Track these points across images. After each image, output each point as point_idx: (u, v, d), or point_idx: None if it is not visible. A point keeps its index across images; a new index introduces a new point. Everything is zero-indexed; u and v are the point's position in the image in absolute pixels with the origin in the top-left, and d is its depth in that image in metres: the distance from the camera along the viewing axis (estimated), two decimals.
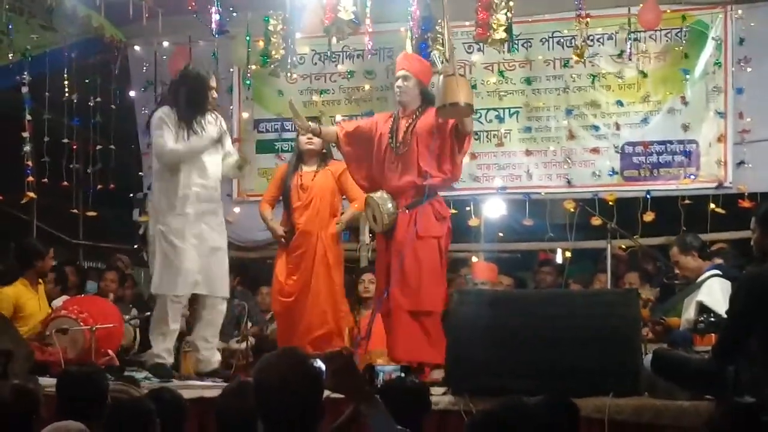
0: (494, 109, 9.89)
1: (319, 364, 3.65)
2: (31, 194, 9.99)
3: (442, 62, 7.43)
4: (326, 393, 3.70)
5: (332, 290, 8.28)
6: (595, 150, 9.69)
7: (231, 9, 8.54)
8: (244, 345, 8.76)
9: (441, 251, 7.52)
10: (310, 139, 8.33)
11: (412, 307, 7.35)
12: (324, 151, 8.46)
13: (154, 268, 8.08)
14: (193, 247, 7.99)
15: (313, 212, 8.30)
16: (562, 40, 9.72)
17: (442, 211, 7.56)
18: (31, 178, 9.91)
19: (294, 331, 8.21)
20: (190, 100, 8.04)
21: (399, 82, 7.64)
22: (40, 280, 9.03)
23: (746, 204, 9.04)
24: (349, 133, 7.77)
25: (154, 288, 8.13)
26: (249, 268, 11.23)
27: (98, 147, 10.57)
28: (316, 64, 10.33)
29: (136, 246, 11.60)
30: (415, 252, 7.37)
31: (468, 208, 9.97)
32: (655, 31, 9.37)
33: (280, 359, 3.63)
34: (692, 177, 9.41)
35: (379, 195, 7.52)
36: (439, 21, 8.21)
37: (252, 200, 9.95)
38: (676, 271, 7.92)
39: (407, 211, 7.45)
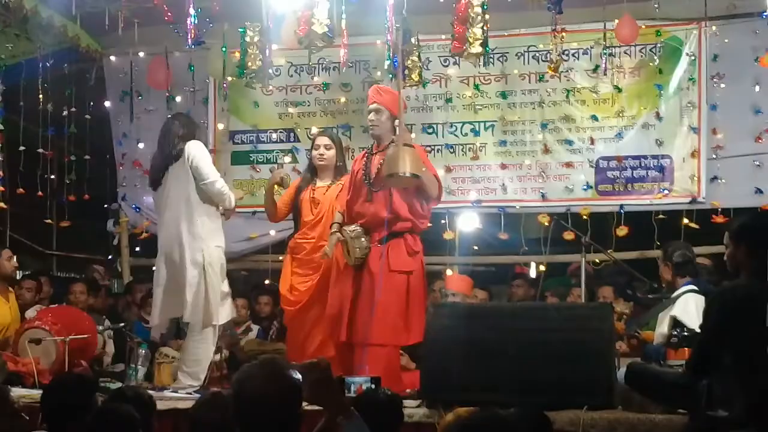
0: (469, 123, 9.92)
1: (297, 375, 3.65)
2: (2, 204, 9.94)
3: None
4: (303, 404, 3.70)
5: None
6: (570, 164, 9.73)
7: (207, 20, 8.52)
8: (218, 357, 8.73)
9: (410, 286, 7.53)
10: (322, 154, 8.28)
11: (377, 340, 7.39)
12: (339, 164, 8.34)
13: (207, 299, 7.92)
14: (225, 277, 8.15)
15: (324, 228, 8.18)
16: (537, 55, 9.77)
17: (414, 246, 7.58)
18: (1, 188, 9.86)
19: (304, 348, 8.05)
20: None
21: (372, 116, 7.68)
22: (10, 288, 8.99)
23: (719, 219, 9.10)
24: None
25: (221, 319, 8.05)
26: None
27: (73, 157, 10.52)
28: (292, 76, 10.34)
29: (110, 257, 11.56)
30: (386, 287, 7.40)
31: (443, 222, 9.98)
32: (630, 46, 9.41)
33: (259, 370, 3.64)
34: (666, 192, 9.46)
35: (352, 229, 7.56)
36: (416, 35, 8.22)
37: None
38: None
39: (379, 245, 7.51)
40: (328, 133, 8.63)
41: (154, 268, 8.37)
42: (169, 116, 8.65)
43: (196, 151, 7.97)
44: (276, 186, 8.47)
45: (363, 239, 7.51)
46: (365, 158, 7.76)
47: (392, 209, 7.49)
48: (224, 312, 8.09)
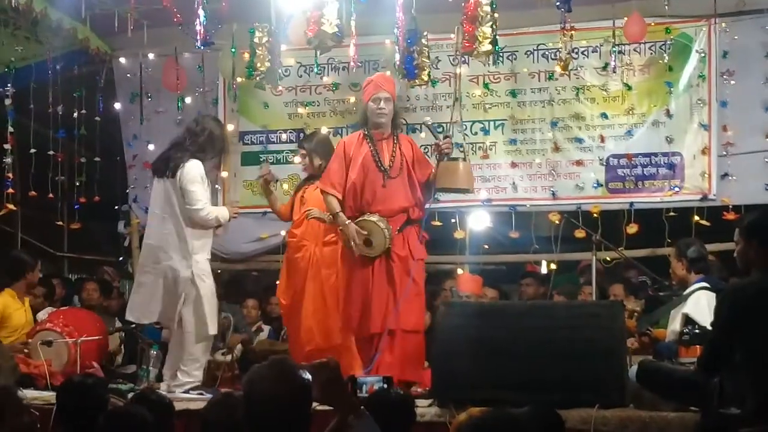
0: (479, 122, 9.89)
1: (307, 375, 3.65)
2: (11, 206, 9.96)
3: (445, 137, 7.82)
4: (313, 404, 3.71)
5: (322, 306, 8.26)
6: (580, 162, 9.70)
7: (216, 21, 8.52)
8: (229, 357, 8.76)
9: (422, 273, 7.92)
10: (302, 164, 8.74)
11: (414, 326, 7.60)
12: (321, 164, 8.48)
13: (202, 311, 8.03)
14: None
15: (308, 226, 8.36)
16: (546, 53, 9.74)
17: (424, 234, 7.86)
18: (11, 190, 9.88)
19: (293, 345, 8.44)
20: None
21: (382, 104, 7.82)
22: (27, 294, 9.01)
23: (730, 216, 9.04)
24: (342, 187, 7.86)
25: (213, 330, 8.14)
26: (235, 281, 11.27)
27: (83, 159, 10.54)
28: (301, 76, 10.33)
29: (120, 258, 11.58)
30: (411, 274, 7.60)
31: (453, 221, 9.97)
32: (640, 44, 9.38)
33: (269, 370, 3.65)
34: (676, 189, 9.42)
35: (377, 218, 7.64)
36: (425, 33, 8.23)
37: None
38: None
39: (397, 233, 7.66)
40: (301, 143, 8.97)
41: None
42: (210, 117, 8.87)
43: (190, 174, 8.05)
44: (270, 186, 8.83)
45: (389, 229, 7.61)
46: (369, 143, 7.85)
47: (414, 197, 7.79)
48: (216, 322, 8.21)
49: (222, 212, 8.24)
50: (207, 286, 8.04)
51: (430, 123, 8.15)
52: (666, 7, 8.99)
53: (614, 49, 9.08)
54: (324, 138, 8.99)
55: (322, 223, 8.22)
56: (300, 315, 8.32)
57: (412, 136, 8.67)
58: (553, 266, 10.00)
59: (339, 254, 8.17)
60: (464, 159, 7.95)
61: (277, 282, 9.95)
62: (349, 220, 7.68)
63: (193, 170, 8.03)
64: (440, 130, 9.02)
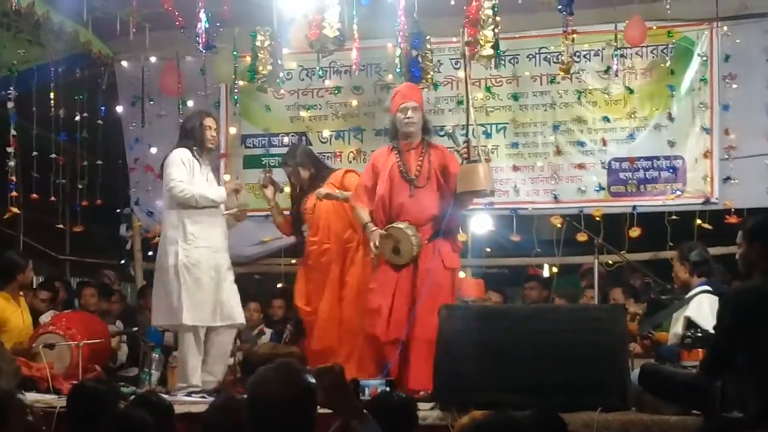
0: (481, 125, 9.84)
1: (312, 379, 3.65)
2: (15, 209, 9.96)
3: (465, 141, 7.79)
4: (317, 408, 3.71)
5: (337, 308, 8.22)
6: (582, 166, 9.71)
7: (218, 24, 8.53)
8: (232, 360, 8.75)
9: (454, 283, 7.87)
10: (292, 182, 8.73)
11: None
12: (311, 174, 8.55)
13: (176, 299, 7.90)
14: (211, 279, 8.05)
15: (325, 229, 8.32)
16: (548, 56, 9.75)
17: (459, 244, 7.91)
18: (15, 194, 9.88)
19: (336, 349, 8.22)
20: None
21: (409, 113, 7.77)
22: (21, 293, 8.99)
23: (732, 219, 9.07)
24: (373, 201, 7.84)
25: (186, 320, 7.93)
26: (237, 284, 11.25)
27: (85, 162, 10.55)
28: (303, 79, 10.33)
29: (122, 261, 11.58)
30: (441, 283, 7.57)
31: None
32: (642, 47, 9.40)
33: (275, 373, 3.64)
34: (678, 193, 9.43)
35: (406, 226, 7.60)
36: (428, 37, 8.23)
37: None
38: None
39: (428, 242, 7.61)
40: (285, 161, 8.83)
41: None
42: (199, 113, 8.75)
43: (169, 158, 8.07)
44: (272, 192, 8.76)
45: (418, 236, 7.57)
46: (396, 155, 7.82)
47: (442, 205, 7.69)
48: (194, 312, 8.00)
49: (213, 192, 8.15)
50: (191, 275, 7.91)
51: (451, 130, 8.13)
52: (668, 10, 9.01)
53: (616, 52, 9.08)
54: (305, 148, 8.97)
55: (335, 200, 8.14)
56: (317, 314, 8.29)
57: None
58: (555, 269, 9.99)
59: (352, 258, 8.22)
60: (481, 161, 7.83)
61: (279, 285, 9.98)
62: (376, 228, 7.67)
63: (172, 156, 8.05)
64: (442, 133, 9.05)
